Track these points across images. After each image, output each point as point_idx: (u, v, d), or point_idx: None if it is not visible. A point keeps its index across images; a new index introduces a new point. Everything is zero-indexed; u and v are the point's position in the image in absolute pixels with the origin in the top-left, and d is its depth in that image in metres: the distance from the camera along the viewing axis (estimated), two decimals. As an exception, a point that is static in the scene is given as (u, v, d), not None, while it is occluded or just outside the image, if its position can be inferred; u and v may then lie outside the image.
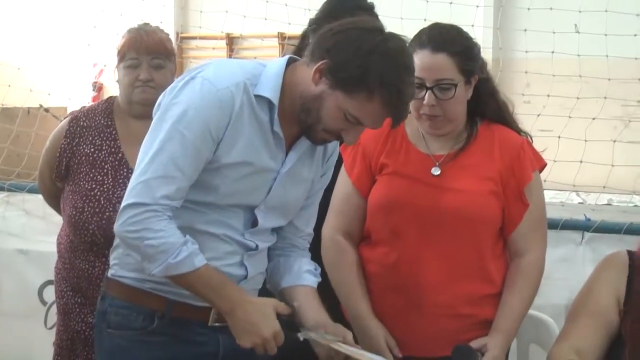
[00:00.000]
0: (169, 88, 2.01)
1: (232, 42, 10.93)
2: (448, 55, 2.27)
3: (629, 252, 2.25)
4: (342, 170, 2.43)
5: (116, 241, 2.11)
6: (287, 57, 2.06)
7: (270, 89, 1.98)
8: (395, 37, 1.96)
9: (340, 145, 2.23)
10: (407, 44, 2.02)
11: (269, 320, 1.96)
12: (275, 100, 1.98)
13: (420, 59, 2.22)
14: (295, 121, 2.00)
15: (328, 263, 2.40)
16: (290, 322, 2.00)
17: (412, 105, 2.27)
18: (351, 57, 1.90)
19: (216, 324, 2.05)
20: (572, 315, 2.24)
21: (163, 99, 2.00)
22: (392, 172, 2.37)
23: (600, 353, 2.16)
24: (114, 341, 2.09)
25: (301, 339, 2.01)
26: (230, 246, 2.05)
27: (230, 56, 9.93)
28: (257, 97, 1.98)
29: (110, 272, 2.13)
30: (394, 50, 1.92)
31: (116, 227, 1.96)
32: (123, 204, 1.94)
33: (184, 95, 1.95)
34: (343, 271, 2.39)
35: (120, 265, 2.10)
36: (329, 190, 2.33)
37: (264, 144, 2.01)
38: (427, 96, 2.27)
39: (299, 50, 2.61)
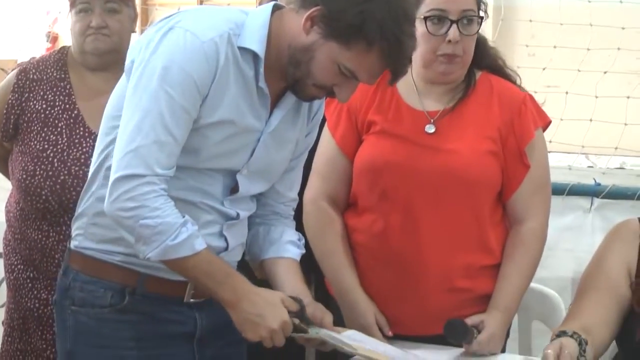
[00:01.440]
0: (144, 41, 1.98)
1: (203, -14, 10.82)
2: None
3: (641, 220, 2.30)
4: (325, 129, 2.44)
5: (79, 209, 2.12)
6: (271, 3, 2.05)
7: (255, 40, 1.98)
8: None
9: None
10: None
11: (276, 310, 1.96)
12: (262, 53, 1.99)
13: None
14: (282, 75, 2.01)
15: (311, 232, 2.41)
16: (296, 318, 2.00)
17: (427, 47, 2.30)
18: (348, 3, 1.91)
19: (192, 300, 2.08)
20: (580, 292, 2.28)
21: (138, 54, 1.97)
22: (380, 130, 2.38)
23: (612, 331, 2.20)
24: (79, 320, 2.09)
25: (312, 335, 2.01)
26: (209, 215, 2.06)
27: (201, 3, 9.85)
28: (241, 49, 1.98)
29: (72, 244, 2.13)
30: None
31: (107, 204, 1.93)
32: (113, 177, 1.91)
33: (164, 49, 1.93)
34: (327, 240, 2.41)
35: (84, 236, 2.10)
36: (312, 151, 2.34)
37: (248, 101, 2.01)
38: (453, 31, 2.29)
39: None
